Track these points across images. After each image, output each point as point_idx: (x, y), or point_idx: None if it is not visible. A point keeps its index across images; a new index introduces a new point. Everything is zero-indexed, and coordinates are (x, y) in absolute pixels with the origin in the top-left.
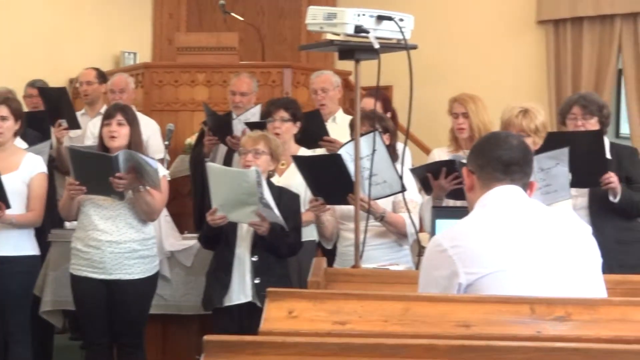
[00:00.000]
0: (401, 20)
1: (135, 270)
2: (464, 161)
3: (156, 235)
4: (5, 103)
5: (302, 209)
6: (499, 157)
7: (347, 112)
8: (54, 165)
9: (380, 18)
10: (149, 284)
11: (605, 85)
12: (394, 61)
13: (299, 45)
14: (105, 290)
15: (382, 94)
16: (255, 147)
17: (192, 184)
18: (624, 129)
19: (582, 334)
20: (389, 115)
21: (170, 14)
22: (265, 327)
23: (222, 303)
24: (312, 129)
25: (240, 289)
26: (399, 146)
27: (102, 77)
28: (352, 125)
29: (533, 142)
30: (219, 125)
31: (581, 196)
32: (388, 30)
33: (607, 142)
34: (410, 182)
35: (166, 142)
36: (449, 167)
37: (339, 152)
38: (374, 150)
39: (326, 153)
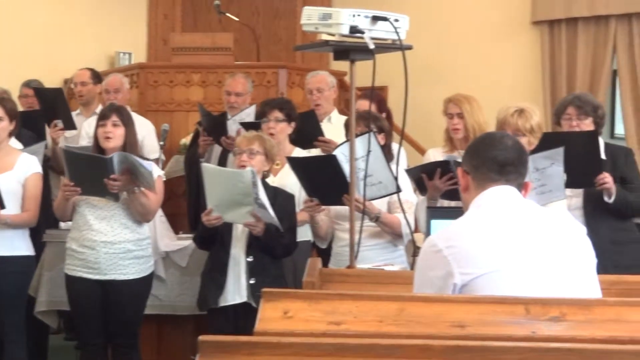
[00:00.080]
0: (396, 20)
1: (130, 270)
2: (460, 160)
3: (151, 236)
4: (0, 103)
5: (297, 209)
6: (494, 158)
7: (342, 112)
8: (49, 165)
9: (375, 18)
10: (144, 284)
11: (600, 85)
12: (389, 62)
13: (294, 46)
14: (100, 291)
15: (376, 94)
16: (250, 147)
17: (186, 185)
18: (619, 129)
19: (576, 334)
20: (383, 115)
21: (165, 14)
22: (260, 327)
23: (217, 303)
24: (307, 129)
25: (236, 290)
26: (394, 146)
27: (97, 77)
28: (347, 126)
29: (528, 142)
30: (214, 126)
31: (576, 196)
32: (383, 31)
33: (601, 142)
34: (406, 182)
35: (161, 143)
36: (444, 167)
37: (334, 152)
38: (369, 151)
39: (321, 153)
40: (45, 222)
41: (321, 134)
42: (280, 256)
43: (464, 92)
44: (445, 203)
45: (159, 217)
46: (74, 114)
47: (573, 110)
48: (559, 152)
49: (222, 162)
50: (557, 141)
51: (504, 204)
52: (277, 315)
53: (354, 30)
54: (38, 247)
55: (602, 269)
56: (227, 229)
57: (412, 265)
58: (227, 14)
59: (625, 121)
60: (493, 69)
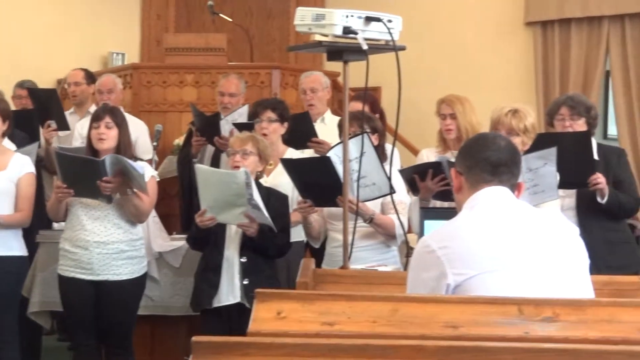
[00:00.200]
0: (389, 21)
1: (123, 271)
2: (453, 161)
3: (144, 236)
4: None
5: (290, 209)
6: (487, 158)
7: (335, 113)
8: (42, 165)
9: (369, 19)
10: (137, 284)
11: (593, 86)
12: (383, 62)
13: (288, 46)
14: (93, 291)
15: (370, 95)
16: (244, 147)
17: (179, 185)
18: (612, 130)
19: (569, 334)
20: (377, 116)
21: (158, 14)
22: (254, 328)
23: (211, 304)
24: (301, 130)
25: (229, 290)
26: (388, 147)
27: (91, 77)
28: (340, 126)
29: (522, 142)
30: (207, 126)
31: (569, 197)
32: (376, 32)
33: (594, 143)
34: (399, 183)
35: (154, 143)
36: (436, 168)
37: (328, 154)
38: (362, 153)
39: (314, 154)
40: (39, 222)
41: (315, 135)
42: (274, 257)
43: (457, 93)
44: (438, 204)
45: (153, 217)
46: (67, 113)
47: (566, 111)
48: (552, 152)
49: (215, 162)
50: (551, 142)
51: (497, 204)
52: (270, 316)
53: (347, 30)
54: (31, 247)
55: (595, 269)
56: (220, 229)
57: (406, 266)
58: (221, 15)
59: (618, 122)
60: (486, 70)
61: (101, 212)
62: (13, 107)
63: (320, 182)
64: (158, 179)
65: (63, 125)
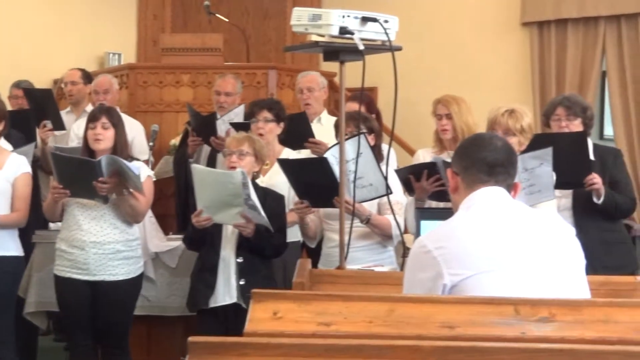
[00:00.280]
0: (386, 21)
1: (119, 271)
2: (449, 161)
3: (140, 236)
4: None
5: (287, 209)
6: (483, 159)
7: (331, 113)
8: (39, 165)
9: (365, 19)
10: (134, 285)
11: (589, 87)
12: (379, 62)
13: (284, 47)
14: (90, 292)
15: (366, 96)
16: (240, 148)
17: (175, 185)
18: (608, 130)
19: (566, 334)
20: (373, 116)
21: (155, 14)
22: (250, 328)
23: (207, 304)
24: (298, 130)
25: (225, 290)
26: (384, 147)
27: (87, 77)
28: (337, 126)
29: (518, 142)
30: (203, 126)
31: (565, 197)
32: (373, 32)
33: (590, 143)
34: (396, 183)
35: (151, 143)
36: (431, 169)
37: (325, 155)
38: (359, 154)
39: (311, 154)
40: (35, 222)
41: (312, 135)
42: (270, 257)
43: (453, 93)
44: (434, 204)
45: (149, 217)
46: (63, 112)
47: (562, 111)
48: (548, 152)
49: (211, 162)
50: (547, 142)
51: (493, 205)
52: (266, 316)
53: (343, 31)
54: (27, 247)
55: (591, 269)
56: (216, 229)
57: (402, 266)
58: (217, 15)
59: (614, 122)
60: (483, 70)
61: (97, 212)
62: (9, 107)
63: (317, 182)
64: (154, 179)
65: (59, 125)
